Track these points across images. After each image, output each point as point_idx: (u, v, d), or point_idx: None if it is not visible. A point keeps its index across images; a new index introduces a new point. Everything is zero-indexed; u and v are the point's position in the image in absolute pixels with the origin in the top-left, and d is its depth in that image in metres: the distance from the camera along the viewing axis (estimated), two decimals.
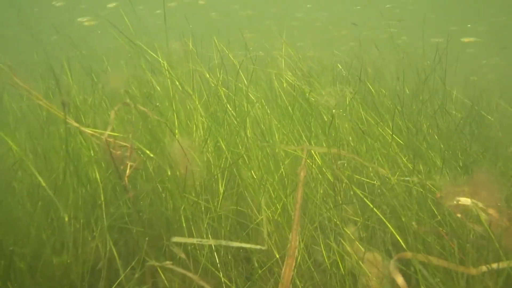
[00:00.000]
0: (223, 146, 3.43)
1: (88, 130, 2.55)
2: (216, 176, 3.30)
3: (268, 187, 3.19)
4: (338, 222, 2.97)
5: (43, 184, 2.21)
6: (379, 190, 3.24)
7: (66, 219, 2.49)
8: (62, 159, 3.10)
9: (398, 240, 2.68)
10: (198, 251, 2.94)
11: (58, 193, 2.93)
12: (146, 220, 3.17)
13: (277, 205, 3.11)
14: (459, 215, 2.53)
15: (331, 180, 3.27)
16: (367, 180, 3.43)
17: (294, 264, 2.38)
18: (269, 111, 3.78)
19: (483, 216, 2.54)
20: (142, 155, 3.04)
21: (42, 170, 3.28)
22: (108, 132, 2.45)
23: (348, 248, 2.77)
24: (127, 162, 2.52)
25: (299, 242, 2.86)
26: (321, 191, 3.24)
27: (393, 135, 3.65)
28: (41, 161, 3.35)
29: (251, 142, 3.47)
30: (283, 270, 2.36)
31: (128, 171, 2.50)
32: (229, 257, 3.04)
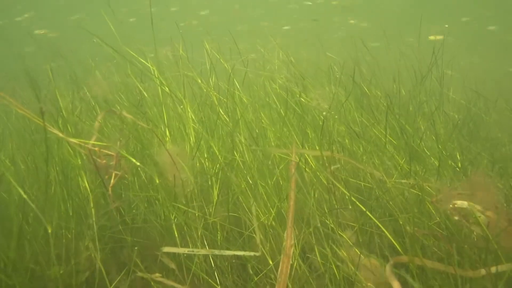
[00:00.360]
0: (216, 151, 3.38)
1: (73, 140, 2.50)
2: (209, 183, 3.25)
3: (262, 193, 3.13)
4: (333, 227, 2.91)
5: (24, 195, 2.15)
6: (376, 193, 3.18)
7: (50, 230, 2.43)
8: (52, 169, 3.06)
9: (395, 244, 2.61)
10: (193, 259, 2.89)
11: (49, 203, 2.89)
12: (140, 229, 3.12)
13: (272, 209, 3.05)
14: (456, 218, 2.47)
15: (326, 184, 3.21)
16: (364, 183, 3.37)
17: (290, 263, 2.35)
18: (262, 114, 3.73)
19: (481, 218, 2.48)
20: (135, 163, 2.99)
21: (34, 180, 3.23)
22: (92, 142, 2.39)
23: (344, 254, 2.70)
24: (112, 171, 2.46)
25: (295, 247, 2.81)
26: (316, 195, 3.18)
27: (389, 137, 3.60)
28: (32, 172, 3.30)
29: (244, 147, 3.42)
30: (279, 269, 2.33)
31: (112, 180, 2.44)
32: (226, 264, 2.99)
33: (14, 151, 3.48)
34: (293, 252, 2.62)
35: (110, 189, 2.40)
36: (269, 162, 3.47)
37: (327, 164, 3.15)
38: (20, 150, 3.48)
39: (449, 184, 2.62)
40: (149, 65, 3.51)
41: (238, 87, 3.94)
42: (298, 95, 3.71)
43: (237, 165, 3.36)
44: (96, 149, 2.42)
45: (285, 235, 2.43)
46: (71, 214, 2.94)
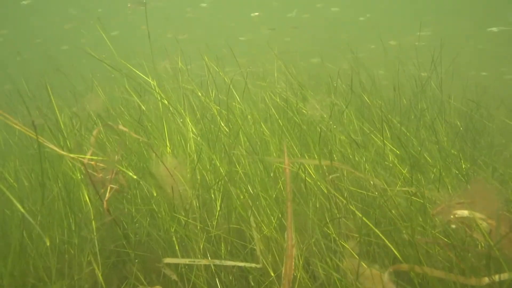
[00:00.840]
0: (217, 163, 3.39)
1: (70, 155, 2.52)
2: (212, 195, 3.25)
3: (264, 205, 3.12)
4: (336, 237, 2.89)
5: (22, 210, 2.17)
6: (379, 202, 3.16)
7: (48, 243, 2.44)
8: (54, 184, 3.08)
9: (396, 254, 2.59)
10: (196, 273, 2.88)
11: (52, 218, 2.91)
12: (143, 243, 3.12)
13: (273, 221, 3.04)
14: (453, 226, 2.45)
15: (327, 193, 3.20)
16: (367, 193, 3.35)
17: (293, 263, 2.35)
18: (263, 125, 3.74)
19: (483, 225, 2.46)
20: (132, 176, 3.00)
21: (38, 197, 3.26)
22: (87, 156, 2.41)
23: (346, 264, 2.68)
24: (108, 185, 2.47)
25: (298, 259, 2.79)
26: (318, 205, 3.17)
27: (390, 146, 3.58)
28: (36, 188, 3.33)
29: (245, 159, 3.42)
30: (283, 271, 2.33)
31: (108, 194, 2.45)
32: (230, 278, 2.98)
33: (17, 167, 3.51)
34: (295, 265, 2.60)
35: (105, 202, 2.41)
36: (271, 174, 3.47)
37: (327, 174, 3.15)
38: (23, 167, 3.51)
39: (452, 192, 2.60)
40: (150, 80, 3.54)
41: (238, 98, 3.96)
42: (296, 105, 3.72)
43: (239, 178, 3.36)
44: (93, 163, 2.44)
45: (285, 235, 2.43)
46: (73, 228, 2.95)
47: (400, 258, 2.59)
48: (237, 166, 3.42)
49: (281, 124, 3.71)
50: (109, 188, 2.45)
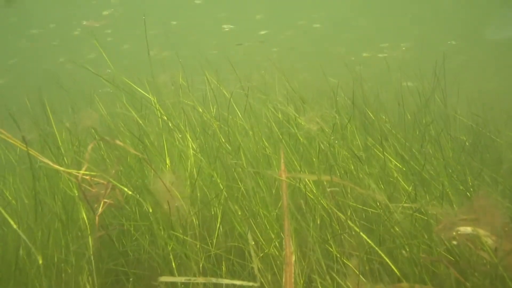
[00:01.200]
0: (218, 180, 3.35)
1: (67, 170, 2.50)
2: (212, 212, 3.21)
3: (265, 223, 3.07)
4: (338, 255, 2.83)
5: (14, 226, 2.15)
6: (383, 219, 3.09)
7: (40, 261, 2.40)
8: (53, 202, 3.07)
9: (406, 272, 2.52)
10: None
11: (51, 237, 2.89)
12: (143, 260, 3.08)
13: (272, 235, 2.99)
14: (455, 242, 2.38)
15: (329, 211, 3.14)
16: (371, 209, 3.28)
17: (293, 272, 2.32)
18: (264, 141, 3.71)
19: (489, 242, 2.39)
20: (127, 191, 2.97)
21: (38, 215, 3.23)
22: (82, 172, 2.39)
23: (349, 285, 2.62)
24: (102, 199, 2.44)
25: (300, 277, 2.73)
26: (318, 221, 3.12)
27: (395, 162, 3.52)
28: (38, 205, 3.31)
29: (246, 175, 3.38)
30: (283, 280, 2.31)
31: (100, 209, 2.42)
32: None
33: (17, 185, 3.51)
34: (296, 282, 2.54)
35: (97, 217, 2.38)
36: (273, 191, 3.43)
37: (328, 189, 3.10)
38: (23, 184, 3.51)
39: (456, 208, 2.54)
40: (150, 97, 3.54)
41: (240, 114, 3.93)
42: (295, 120, 3.69)
43: (241, 194, 3.32)
44: (87, 178, 2.42)
45: (283, 243, 2.40)
46: (71, 247, 2.92)
47: (401, 277, 2.52)
48: (239, 183, 3.38)
49: (281, 138, 3.68)
50: (102, 203, 2.43)
